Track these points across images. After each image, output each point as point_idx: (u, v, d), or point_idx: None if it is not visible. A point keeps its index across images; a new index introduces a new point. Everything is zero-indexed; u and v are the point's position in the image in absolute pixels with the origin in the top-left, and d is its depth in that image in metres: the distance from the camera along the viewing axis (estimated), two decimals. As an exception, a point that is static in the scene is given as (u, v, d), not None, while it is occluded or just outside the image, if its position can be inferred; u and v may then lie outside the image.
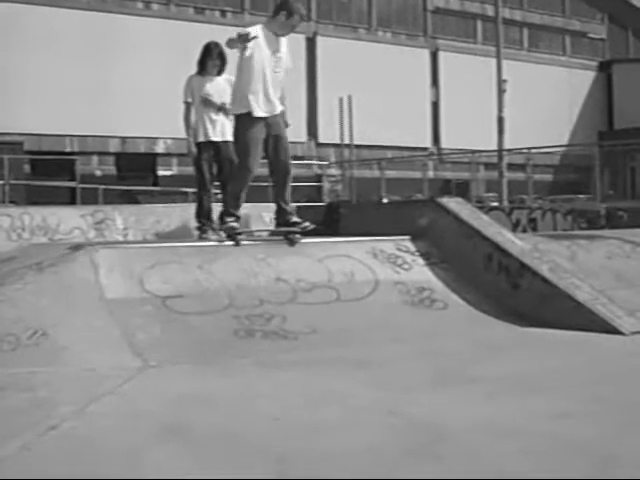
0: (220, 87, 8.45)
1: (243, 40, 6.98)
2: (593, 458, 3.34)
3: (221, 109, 8.45)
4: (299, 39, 36.62)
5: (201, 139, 8.48)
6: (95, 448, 3.55)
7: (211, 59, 8.41)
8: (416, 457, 3.38)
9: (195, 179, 8.78)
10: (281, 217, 7.61)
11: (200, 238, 8.55)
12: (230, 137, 8.26)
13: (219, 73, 8.51)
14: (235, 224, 7.42)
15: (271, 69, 7.36)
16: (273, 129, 7.43)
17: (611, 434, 3.67)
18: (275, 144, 7.44)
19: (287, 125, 7.58)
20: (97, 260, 6.47)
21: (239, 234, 7.41)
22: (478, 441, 3.58)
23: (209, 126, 8.43)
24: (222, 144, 8.52)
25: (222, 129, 8.49)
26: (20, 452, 3.47)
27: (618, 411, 4.09)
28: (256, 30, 7.20)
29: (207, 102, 8.48)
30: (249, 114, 7.29)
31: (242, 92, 7.33)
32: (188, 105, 8.44)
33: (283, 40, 7.49)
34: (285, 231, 7.54)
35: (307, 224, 7.57)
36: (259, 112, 7.30)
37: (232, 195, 7.58)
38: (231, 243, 7.33)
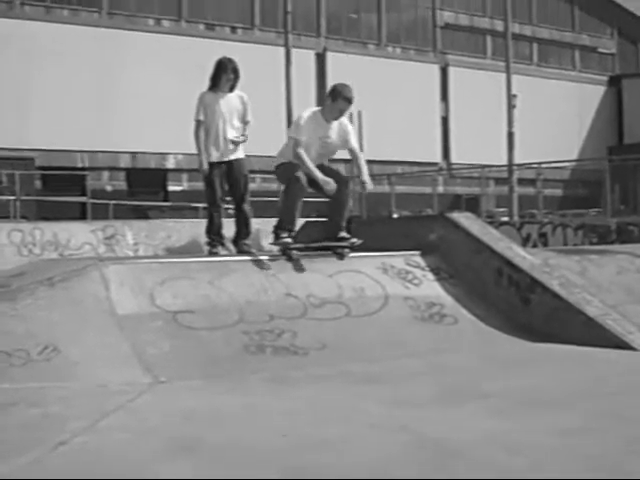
0: (232, 104, 8.43)
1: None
2: (604, 473, 3.32)
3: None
4: (309, 55, 36.79)
5: (213, 159, 8.46)
6: (106, 463, 3.56)
7: (226, 74, 8.39)
8: (427, 473, 3.37)
9: (205, 195, 8.78)
10: (331, 232, 7.68)
11: (210, 254, 8.55)
12: (242, 154, 8.41)
13: (232, 89, 8.50)
14: (289, 239, 7.46)
15: (316, 150, 7.63)
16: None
17: (622, 449, 3.66)
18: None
19: (365, 187, 7.71)
20: (108, 275, 6.48)
21: (293, 249, 7.44)
22: (489, 457, 3.57)
23: (222, 145, 8.39)
24: (234, 162, 8.49)
25: (234, 147, 8.48)
26: (30, 467, 3.47)
27: (629, 426, 4.07)
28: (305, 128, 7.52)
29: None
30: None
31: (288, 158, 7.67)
32: (199, 123, 8.42)
33: (334, 124, 7.69)
34: (334, 246, 7.62)
35: (355, 240, 7.67)
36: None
37: (286, 210, 7.63)
38: (282, 257, 7.43)
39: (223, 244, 8.59)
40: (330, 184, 7.35)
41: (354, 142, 7.84)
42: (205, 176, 8.46)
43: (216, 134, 8.38)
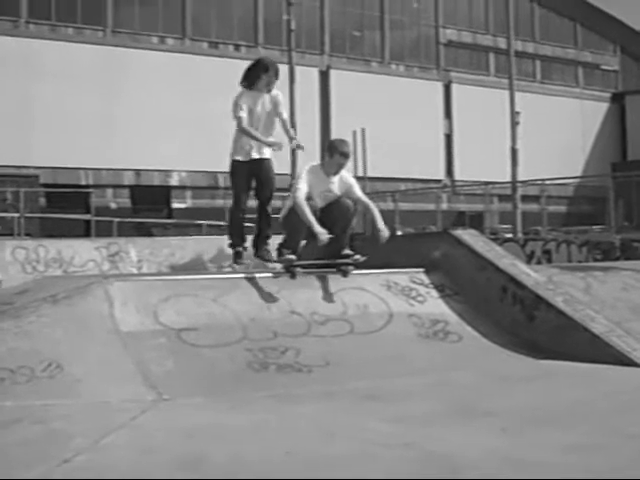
0: (266, 105, 8.23)
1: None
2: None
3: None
4: (313, 72, 36.90)
5: (240, 157, 8.20)
6: (109, 481, 3.55)
7: (267, 76, 8.18)
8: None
9: (233, 194, 8.41)
10: (335, 249, 7.67)
11: (233, 264, 8.31)
12: (269, 155, 8.27)
13: (270, 91, 8.23)
14: (293, 257, 7.46)
15: (320, 200, 7.70)
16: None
17: (627, 466, 3.64)
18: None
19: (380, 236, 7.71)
20: (111, 293, 6.48)
21: (296, 266, 7.44)
22: (494, 474, 3.55)
23: (253, 144, 8.20)
24: (265, 161, 8.24)
25: (262, 146, 8.22)
26: (34, 485, 3.46)
27: (635, 443, 4.05)
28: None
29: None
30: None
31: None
32: (240, 119, 8.14)
33: (335, 179, 7.77)
34: (338, 263, 7.60)
35: (358, 257, 7.66)
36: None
37: (291, 231, 7.66)
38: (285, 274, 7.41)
39: (244, 248, 8.34)
40: (323, 235, 7.34)
41: (359, 193, 7.86)
42: (231, 175, 8.27)
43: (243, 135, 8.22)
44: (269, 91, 8.20)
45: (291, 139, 8.15)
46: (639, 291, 7.95)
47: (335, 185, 7.76)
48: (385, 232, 7.65)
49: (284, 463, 3.79)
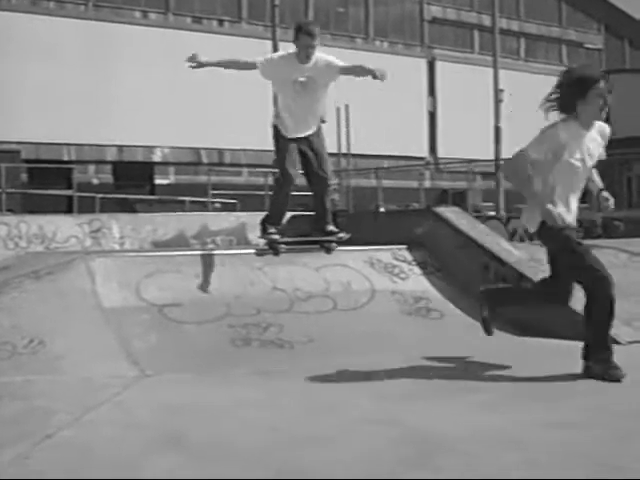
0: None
1: None
2: (593, 467, 3.33)
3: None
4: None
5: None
6: (92, 457, 3.54)
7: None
8: (415, 467, 3.36)
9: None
10: (319, 225, 7.63)
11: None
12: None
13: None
14: (277, 235, 7.40)
15: (291, 97, 7.30)
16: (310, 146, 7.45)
17: (612, 443, 3.67)
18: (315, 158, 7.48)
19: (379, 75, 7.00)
20: (94, 269, 6.47)
21: (280, 243, 7.40)
22: (477, 451, 3.56)
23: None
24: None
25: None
26: (16, 461, 3.45)
27: (618, 420, 4.08)
28: None
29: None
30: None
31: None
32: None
33: (309, 65, 7.17)
34: (322, 240, 7.55)
35: (343, 234, 7.58)
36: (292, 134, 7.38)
37: (274, 204, 7.62)
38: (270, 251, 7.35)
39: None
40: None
41: (340, 63, 7.28)
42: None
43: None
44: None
45: None
46: (621, 269, 7.97)
47: (311, 71, 7.14)
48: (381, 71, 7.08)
49: (269, 439, 3.80)
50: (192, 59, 7.05)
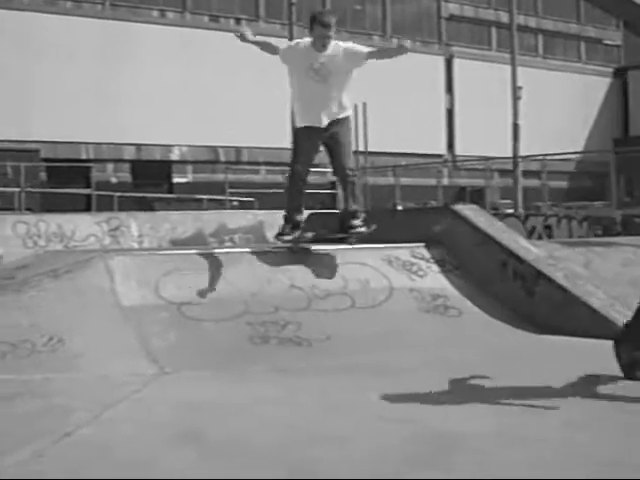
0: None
1: None
2: (605, 467, 3.31)
3: None
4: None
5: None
6: (110, 455, 3.56)
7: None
8: (427, 466, 3.36)
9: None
10: (344, 219, 7.59)
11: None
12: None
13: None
14: (292, 235, 7.38)
15: (313, 76, 7.27)
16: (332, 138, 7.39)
17: (625, 442, 3.65)
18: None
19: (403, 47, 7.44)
20: (112, 267, 6.49)
21: (297, 242, 7.41)
22: (489, 450, 3.56)
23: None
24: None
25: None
26: (34, 458, 3.47)
27: (632, 419, 4.07)
28: None
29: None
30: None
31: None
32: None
33: (326, 53, 7.20)
34: (339, 237, 7.52)
35: (363, 229, 7.46)
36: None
37: (288, 202, 7.60)
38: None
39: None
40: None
41: (360, 48, 7.37)
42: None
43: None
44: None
45: None
46: (639, 267, 7.96)
47: (326, 58, 7.13)
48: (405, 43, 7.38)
49: (286, 437, 3.80)
50: (241, 33, 7.19)
